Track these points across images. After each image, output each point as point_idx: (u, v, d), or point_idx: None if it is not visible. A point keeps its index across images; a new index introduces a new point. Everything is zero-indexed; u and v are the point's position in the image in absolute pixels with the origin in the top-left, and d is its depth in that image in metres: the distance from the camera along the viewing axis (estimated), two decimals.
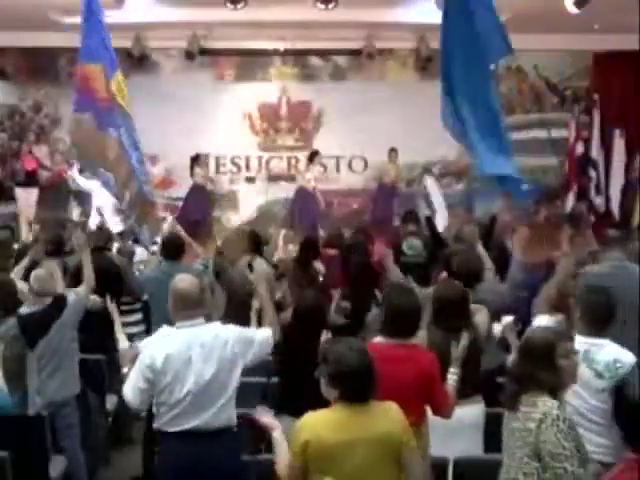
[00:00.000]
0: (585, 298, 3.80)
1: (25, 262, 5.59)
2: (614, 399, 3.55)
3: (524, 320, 4.68)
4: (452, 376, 3.66)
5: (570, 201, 11.69)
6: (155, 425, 3.64)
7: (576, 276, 4.77)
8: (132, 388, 3.57)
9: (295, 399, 3.78)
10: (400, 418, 2.92)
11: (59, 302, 4.63)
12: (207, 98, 11.92)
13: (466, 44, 5.69)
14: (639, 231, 7.82)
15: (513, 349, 3.84)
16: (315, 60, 12.67)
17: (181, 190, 11.64)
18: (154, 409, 3.63)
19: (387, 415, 2.90)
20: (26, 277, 5.29)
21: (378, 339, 3.68)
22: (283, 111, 12.64)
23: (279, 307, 5.40)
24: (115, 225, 9.22)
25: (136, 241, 8.07)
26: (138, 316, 6.38)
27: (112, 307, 4.92)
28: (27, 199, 11.44)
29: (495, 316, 4.49)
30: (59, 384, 4.66)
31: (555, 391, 2.97)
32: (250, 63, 12.60)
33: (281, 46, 12.27)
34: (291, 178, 12.36)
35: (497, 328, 4.36)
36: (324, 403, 2.92)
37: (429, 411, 3.61)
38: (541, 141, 12.55)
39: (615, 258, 5.21)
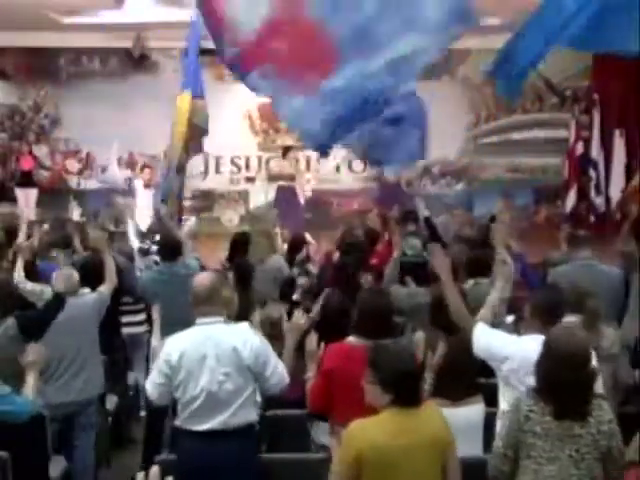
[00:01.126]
0: (536, 296, 3.73)
1: (20, 263, 5.57)
2: None
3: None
4: (428, 380, 3.70)
5: (570, 201, 11.67)
6: (176, 422, 3.65)
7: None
8: (151, 382, 3.63)
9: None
10: (444, 418, 2.95)
11: (57, 301, 4.63)
12: (207, 98, 11.91)
13: None
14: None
15: None
16: None
17: None
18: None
19: (435, 416, 2.93)
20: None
21: (350, 339, 3.71)
22: None
23: None
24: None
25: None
26: (142, 316, 6.37)
27: None
28: (27, 199, 11.44)
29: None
30: (83, 384, 4.70)
31: None
32: None
33: None
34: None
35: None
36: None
37: None
38: (541, 141, 12.56)
39: (583, 258, 5.25)
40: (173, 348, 3.58)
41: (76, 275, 4.88)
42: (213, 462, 3.47)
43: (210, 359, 3.53)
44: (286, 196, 11.37)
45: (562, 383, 2.85)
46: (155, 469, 2.48)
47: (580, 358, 2.86)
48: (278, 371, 3.66)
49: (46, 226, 7.83)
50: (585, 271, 5.15)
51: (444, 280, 3.78)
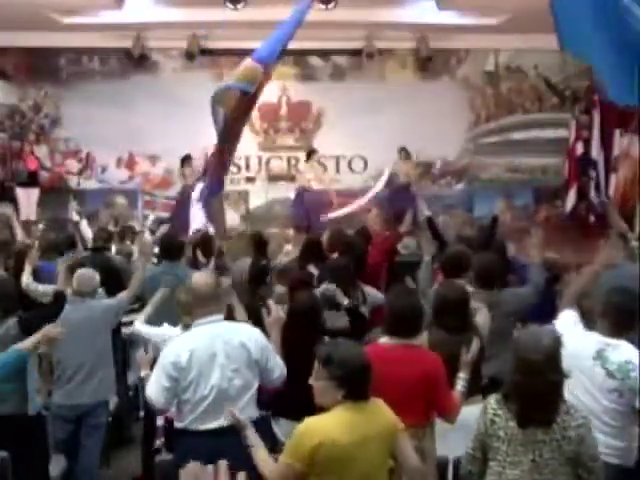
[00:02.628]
0: (609, 298, 3.68)
1: (28, 268, 5.56)
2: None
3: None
4: (461, 381, 3.67)
5: (570, 201, 11.68)
6: (179, 425, 3.63)
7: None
8: (156, 388, 3.57)
9: (293, 402, 3.77)
10: (388, 409, 3.00)
11: (59, 301, 4.63)
12: (207, 98, 11.88)
13: None
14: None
15: None
16: (315, 60, 12.67)
17: None
18: (174, 409, 3.64)
19: (382, 409, 2.98)
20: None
21: (383, 339, 3.70)
22: (283, 111, 12.64)
23: None
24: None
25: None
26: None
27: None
28: (28, 199, 11.44)
29: (515, 319, 4.50)
30: (96, 386, 4.69)
31: None
32: None
33: None
34: (291, 178, 12.35)
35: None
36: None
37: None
38: (541, 141, 12.57)
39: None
40: (181, 349, 3.56)
41: (97, 277, 4.86)
42: (222, 459, 3.42)
43: (220, 356, 3.54)
44: (311, 198, 11.21)
45: (526, 390, 2.85)
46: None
47: (544, 365, 2.83)
48: (279, 363, 3.73)
49: (41, 226, 7.85)
50: (633, 272, 5.04)
51: None
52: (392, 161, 11.69)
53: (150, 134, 11.97)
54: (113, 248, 7.22)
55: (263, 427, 3.74)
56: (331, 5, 10.15)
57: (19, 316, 4.37)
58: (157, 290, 5.37)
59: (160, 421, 4.57)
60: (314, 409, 2.96)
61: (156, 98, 11.90)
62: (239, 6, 10.15)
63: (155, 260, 6.30)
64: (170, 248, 5.87)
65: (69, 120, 12.37)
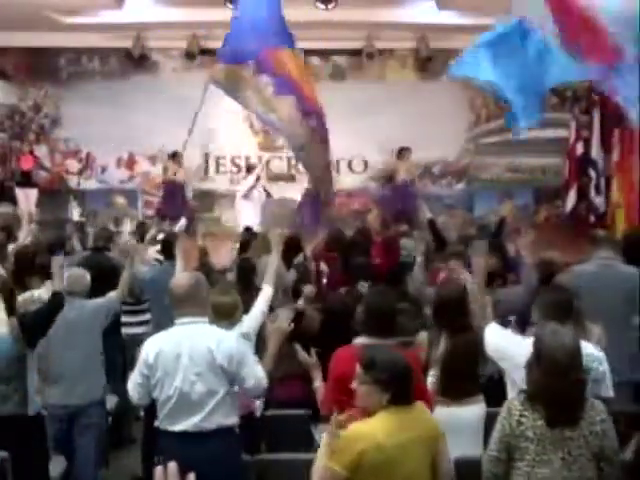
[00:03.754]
0: (546, 296, 3.71)
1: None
2: None
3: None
4: (431, 378, 3.72)
5: (570, 201, 11.68)
6: (155, 423, 3.66)
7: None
8: (132, 383, 3.65)
9: None
10: (429, 412, 3.07)
11: (57, 300, 4.61)
12: (207, 98, 11.91)
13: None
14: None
15: None
16: (315, 60, 12.67)
17: None
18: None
19: (424, 413, 3.02)
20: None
21: (361, 339, 3.70)
22: None
23: None
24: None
25: None
26: (144, 317, 6.32)
27: None
28: (27, 199, 11.43)
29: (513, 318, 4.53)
30: (86, 387, 4.68)
31: None
32: None
33: None
34: (291, 178, 12.36)
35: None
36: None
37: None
38: (541, 141, 12.56)
39: (603, 257, 5.23)
40: (150, 348, 3.61)
41: (88, 276, 4.86)
42: (187, 464, 3.39)
43: (184, 358, 3.53)
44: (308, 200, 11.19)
45: (552, 391, 2.86)
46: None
47: (568, 366, 2.85)
48: (255, 373, 3.59)
49: (33, 226, 7.81)
50: (603, 271, 5.11)
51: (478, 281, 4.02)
52: (392, 161, 11.74)
53: (150, 134, 11.97)
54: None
55: (262, 427, 3.73)
56: (331, 5, 10.16)
57: (20, 316, 4.37)
58: (158, 291, 5.36)
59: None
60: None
61: (156, 98, 11.90)
62: None
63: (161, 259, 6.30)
64: (172, 248, 5.76)
65: (69, 120, 12.38)
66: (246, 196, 10.29)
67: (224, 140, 12.38)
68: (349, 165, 12.65)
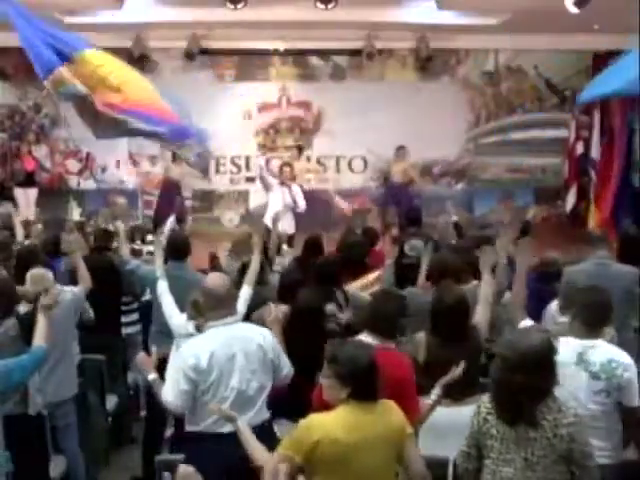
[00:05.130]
0: (579, 298, 3.72)
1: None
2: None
3: None
4: (433, 396, 3.63)
5: (570, 201, 11.68)
6: (194, 428, 3.58)
7: None
8: (173, 392, 3.53)
9: (294, 402, 3.77)
10: (400, 412, 3.01)
11: None
12: (207, 98, 11.92)
13: None
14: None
15: None
16: (315, 60, 12.68)
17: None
18: (187, 412, 3.60)
19: (391, 411, 2.98)
20: None
21: (361, 336, 3.72)
22: (283, 111, 12.64)
23: None
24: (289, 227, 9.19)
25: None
26: (134, 316, 6.31)
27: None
28: (27, 199, 11.43)
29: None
30: (57, 385, 4.60)
31: None
32: (250, 63, 12.61)
33: (281, 46, 12.29)
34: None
35: None
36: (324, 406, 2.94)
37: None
38: (541, 141, 12.57)
39: (599, 257, 5.24)
40: (200, 351, 3.53)
41: (50, 275, 4.76)
42: (242, 464, 3.24)
43: (239, 358, 3.55)
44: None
45: (496, 386, 2.87)
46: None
47: (516, 365, 2.79)
48: (286, 361, 3.76)
49: (40, 226, 7.80)
50: (600, 270, 5.12)
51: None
52: (390, 161, 11.74)
53: None
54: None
55: (269, 428, 3.73)
56: (331, 5, 10.14)
57: (19, 317, 4.37)
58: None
59: (169, 431, 4.53)
60: (315, 409, 2.96)
61: None
62: (239, 6, 10.13)
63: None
64: (175, 247, 5.66)
65: (69, 120, 12.36)
66: (267, 188, 10.06)
67: (224, 140, 12.36)
68: (349, 165, 12.65)
